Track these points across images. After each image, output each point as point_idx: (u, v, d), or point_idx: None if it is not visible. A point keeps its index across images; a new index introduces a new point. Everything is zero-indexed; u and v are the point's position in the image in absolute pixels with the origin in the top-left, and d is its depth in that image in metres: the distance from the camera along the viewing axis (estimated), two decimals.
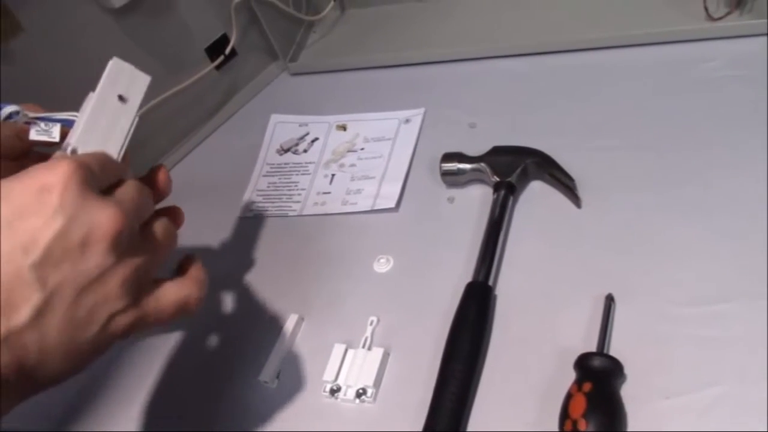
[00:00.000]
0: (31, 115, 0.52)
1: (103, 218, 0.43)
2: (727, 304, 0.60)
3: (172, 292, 0.50)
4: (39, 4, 0.78)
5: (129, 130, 0.54)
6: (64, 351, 0.43)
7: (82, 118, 0.52)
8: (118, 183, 0.48)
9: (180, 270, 0.54)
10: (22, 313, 0.41)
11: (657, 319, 0.61)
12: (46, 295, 0.41)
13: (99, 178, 0.45)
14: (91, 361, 0.46)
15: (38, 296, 0.41)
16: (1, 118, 0.50)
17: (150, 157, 0.95)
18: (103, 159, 0.48)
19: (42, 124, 0.52)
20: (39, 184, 0.42)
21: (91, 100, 0.53)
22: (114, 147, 0.52)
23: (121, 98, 0.54)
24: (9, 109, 0.50)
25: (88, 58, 0.84)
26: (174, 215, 0.54)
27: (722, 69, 0.80)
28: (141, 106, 0.55)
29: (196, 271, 0.53)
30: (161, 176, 0.55)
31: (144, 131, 0.89)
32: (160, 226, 0.50)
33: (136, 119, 0.55)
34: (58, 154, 0.50)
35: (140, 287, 0.47)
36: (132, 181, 0.49)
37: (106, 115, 0.53)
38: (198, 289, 0.52)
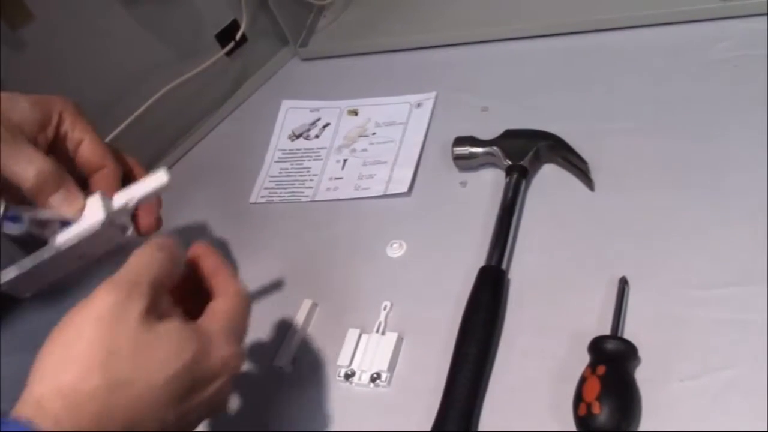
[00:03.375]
0: (36, 219, 0.53)
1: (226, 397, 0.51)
2: (740, 287, 0.60)
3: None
4: None
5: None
6: None
7: (75, 234, 0.53)
8: None
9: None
10: None
11: (671, 302, 0.61)
12: None
13: None
14: None
15: None
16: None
17: (161, 145, 0.96)
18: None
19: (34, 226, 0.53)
20: (217, 371, 0.48)
21: (92, 226, 0.54)
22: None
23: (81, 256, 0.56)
24: (12, 229, 0.52)
25: (98, 46, 0.85)
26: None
27: (736, 48, 0.79)
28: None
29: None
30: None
31: (155, 119, 0.91)
32: None
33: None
34: None
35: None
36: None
37: (97, 238, 0.54)
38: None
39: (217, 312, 0.52)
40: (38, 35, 0.78)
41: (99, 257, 0.56)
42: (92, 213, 0.54)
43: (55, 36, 0.80)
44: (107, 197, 0.55)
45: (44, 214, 0.52)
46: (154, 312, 0.46)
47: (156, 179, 0.56)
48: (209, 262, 0.55)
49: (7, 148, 0.51)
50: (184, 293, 0.54)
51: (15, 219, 0.51)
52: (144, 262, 0.48)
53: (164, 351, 0.45)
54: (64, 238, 0.53)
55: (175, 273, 0.50)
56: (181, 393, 0.45)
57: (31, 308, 0.80)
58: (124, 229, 0.56)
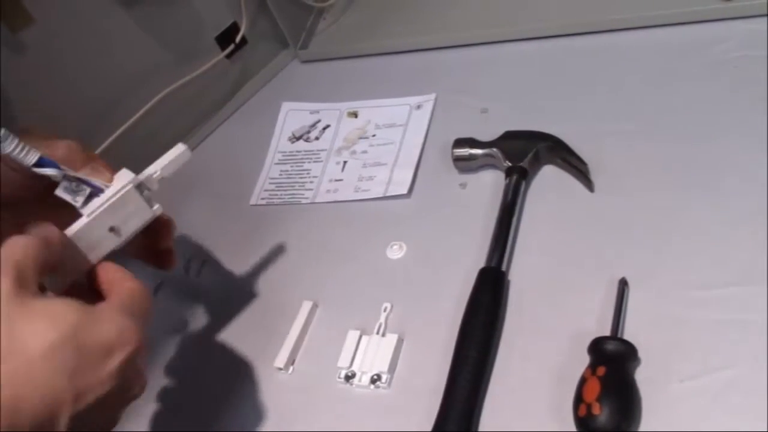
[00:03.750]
0: (74, 175, 0.54)
1: (138, 389, 0.50)
2: (740, 287, 0.60)
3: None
4: None
5: (135, 230, 0.57)
6: None
7: (105, 202, 0.54)
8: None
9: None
10: None
11: (671, 303, 0.61)
12: None
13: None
14: None
15: None
16: (39, 174, 0.51)
17: (162, 148, 0.95)
18: (150, 309, 0.52)
19: (73, 184, 0.54)
20: (109, 344, 0.45)
21: (125, 179, 0.55)
22: (112, 243, 0.55)
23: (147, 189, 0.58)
24: (49, 171, 0.52)
25: (99, 48, 0.85)
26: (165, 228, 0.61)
27: (737, 49, 0.79)
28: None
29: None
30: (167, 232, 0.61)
31: (156, 122, 0.91)
32: None
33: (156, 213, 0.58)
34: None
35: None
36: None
37: (119, 214, 0.55)
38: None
39: (109, 296, 0.51)
40: (38, 38, 0.78)
41: (131, 236, 0.57)
42: (120, 182, 0.55)
43: (55, 39, 0.80)
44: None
45: (76, 173, 0.54)
46: (24, 291, 0.44)
47: (176, 151, 0.59)
48: (106, 270, 0.54)
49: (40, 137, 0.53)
50: None
51: (51, 164, 0.52)
52: (9, 244, 0.47)
53: (39, 322, 0.43)
54: (95, 204, 0.54)
55: (50, 258, 0.48)
56: (68, 365, 0.43)
57: None
58: (150, 202, 0.58)
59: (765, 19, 0.79)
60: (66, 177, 0.53)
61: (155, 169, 0.58)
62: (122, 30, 0.87)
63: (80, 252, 0.53)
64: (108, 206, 0.54)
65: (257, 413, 0.67)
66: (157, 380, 0.73)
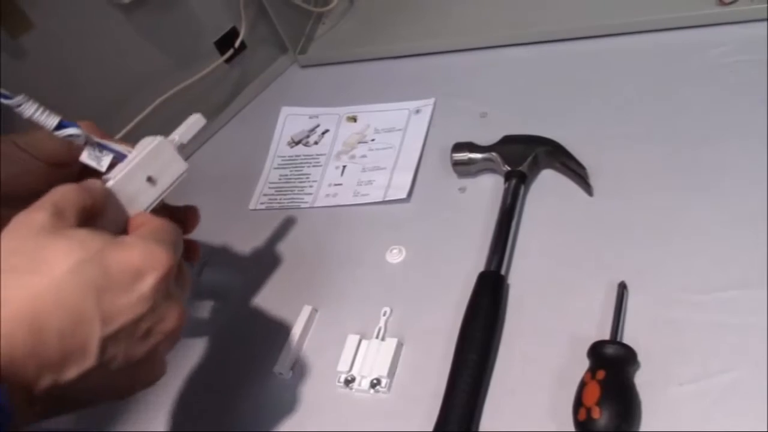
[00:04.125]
0: (96, 140, 0.54)
1: (173, 321, 0.48)
2: (740, 290, 0.60)
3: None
4: (49, 1, 0.78)
5: (172, 183, 0.57)
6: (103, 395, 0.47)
7: (132, 160, 0.54)
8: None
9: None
10: (70, 373, 0.42)
11: (670, 306, 0.61)
12: (98, 364, 0.43)
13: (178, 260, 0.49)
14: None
15: (90, 364, 0.43)
16: (61, 136, 0.51)
17: None
18: (179, 241, 0.51)
19: (96, 150, 0.54)
20: (136, 266, 0.45)
21: (148, 146, 0.55)
22: (151, 196, 0.55)
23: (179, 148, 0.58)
24: (71, 131, 0.52)
25: (98, 54, 0.85)
26: (191, 215, 0.61)
27: (733, 54, 0.79)
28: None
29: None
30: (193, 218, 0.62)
31: (155, 126, 0.90)
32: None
33: (184, 175, 0.58)
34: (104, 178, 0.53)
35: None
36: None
37: (153, 165, 0.55)
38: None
39: (139, 231, 0.50)
40: (38, 44, 0.78)
41: (167, 190, 0.57)
42: (142, 147, 0.55)
43: (55, 44, 0.80)
44: None
45: (98, 140, 0.54)
46: (61, 224, 0.45)
47: (192, 119, 0.60)
48: (136, 217, 0.53)
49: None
50: None
51: (72, 125, 0.52)
52: (52, 190, 0.47)
53: (66, 244, 0.43)
54: (121, 168, 0.54)
55: (90, 203, 0.48)
56: (95, 284, 0.43)
57: None
58: (182, 151, 0.59)
59: (762, 23, 0.80)
60: (89, 141, 0.53)
61: (174, 135, 0.59)
62: (121, 35, 0.87)
63: (120, 204, 0.52)
64: (145, 155, 0.54)
65: (257, 418, 0.67)
66: (155, 386, 0.72)
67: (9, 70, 0.75)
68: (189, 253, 0.62)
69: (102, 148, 0.54)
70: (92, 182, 0.50)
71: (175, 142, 0.58)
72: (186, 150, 0.60)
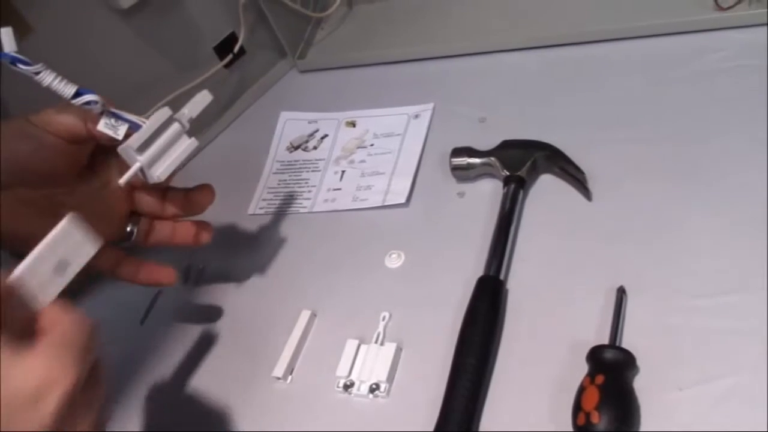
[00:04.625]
0: (111, 109, 0.55)
1: (86, 426, 0.44)
2: (739, 295, 0.60)
3: None
4: (48, 5, 0.78)
5: (184, 153, 0.59)
6: None
7: (148, 128, 0.55)
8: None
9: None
10: None
11: (669, 311, 0.61)
12: None
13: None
14: None
15: None
16: (79, 104, 0.52)
17: None
18: (91, 343, 0.46)
19: (112, 120, 0.54)
20: (37, 385, 0.41)
21: (163, 116, 0.57)
22: (168, 163, 0.57)
23: (181, 125, 0.60)
24: (88, 97, 0.52)
25: (97, 59, 0.85)
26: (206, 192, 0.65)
27: (731, 59, 0.79)
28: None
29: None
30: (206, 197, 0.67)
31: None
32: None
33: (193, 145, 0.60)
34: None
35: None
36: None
37: (167, 133, 0.57)
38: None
39: (42, 337, 0.44)
40: (37, 48, 0.77)
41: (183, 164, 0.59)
42: (156, 118, 0.57)
43: (54, 49, 0.79)
44: None
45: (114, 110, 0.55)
46: None
47: (200, 96, 0.62)
48: (45, 310, 0.47)
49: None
50: None
51: (90, 92, 0.53)
52: None
53: None
54: (137, 137, 0.55)
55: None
56: None
57: None
58: (188, 135, 0.60)
59: (759, 28, 0.80)
60: (105, 109, 0.54)
61: (183, 110, 0.60)
62: (121, 40, 0.87)
63: (25, 299, 0.46)
64: (52, 239, 0.49)
65: (255, 423, 0.67)
66: (155, 388, 0.72)
67: (8, 75, 0.75)
68: (199, 234, 0.67)
69: (117, 117, 0.54)
70: None
71: (184, 116, 0.59)
72: (186, 148, 0.60)
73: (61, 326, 0.45)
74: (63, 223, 0.50)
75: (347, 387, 0.66)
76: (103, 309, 0.81)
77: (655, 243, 0.66)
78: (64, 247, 0.50)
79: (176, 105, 0.90)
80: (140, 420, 0.70)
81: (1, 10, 0.73)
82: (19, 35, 0.75)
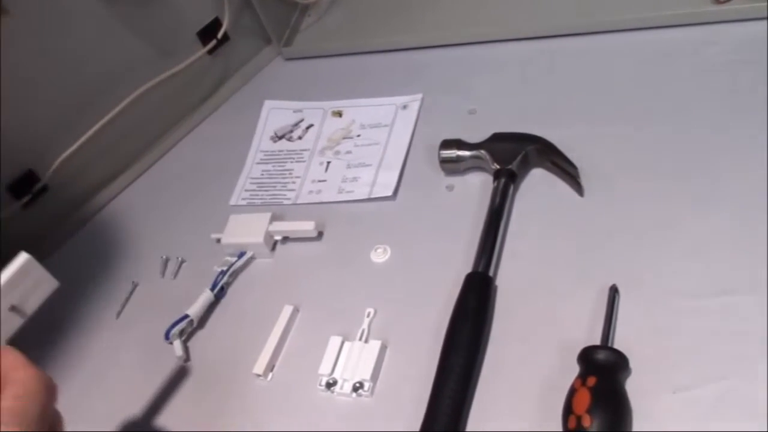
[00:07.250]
0: None
1: None
2: (734, 296, 0.59)
3: None
4: None
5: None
6: None
7: None
8: None
9: None
10: None
11: (663, 311, 0.60)
12: None
13: None
14: None
15: None
16: None
17: (139, 144, 0.94)
18: (49, 398, 0.45)
19: None
20: None
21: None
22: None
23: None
24: None
25: (77, 43, 0.83)
26: None
27: (728, 52, 0.78)
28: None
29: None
30: None
31: (134, 118, 0.89)
32: None
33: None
34: None
35: None
36: None
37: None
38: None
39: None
40: (13, 32, 0.76)
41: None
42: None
43: (31, 33, 0.78)
44: None
45: None
46: None
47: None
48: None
49: None
50: None
51: None
52: None
53: None
54: None
55: None
56: None
57: None
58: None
59: (757, 22, 0.79)
60: None
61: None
62: (100, 23, 0.85)
63: None
64: (7, 281, 0.49)
65: (233, 422, 0.66)
66: (134, 389, 0.71)
67: (7, 75, 0.73)
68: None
69: None
70: None
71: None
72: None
73: (18, 380, 0.44)
74: (19, 262, 0.49)
75: (330, 385, 0.65)
76: (79, 302, 0.81)
77: (648, 241, 0.66)
78: (22, 287, 0.50)
79: (157, 92, 0.90)
80: (116, 418, 0.69)
81: None
82: None
